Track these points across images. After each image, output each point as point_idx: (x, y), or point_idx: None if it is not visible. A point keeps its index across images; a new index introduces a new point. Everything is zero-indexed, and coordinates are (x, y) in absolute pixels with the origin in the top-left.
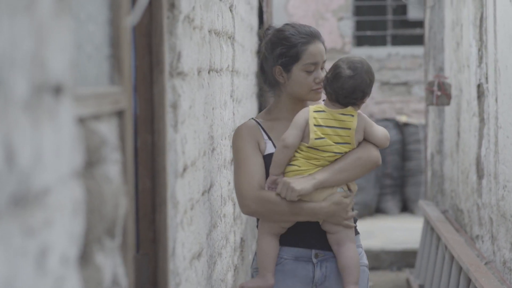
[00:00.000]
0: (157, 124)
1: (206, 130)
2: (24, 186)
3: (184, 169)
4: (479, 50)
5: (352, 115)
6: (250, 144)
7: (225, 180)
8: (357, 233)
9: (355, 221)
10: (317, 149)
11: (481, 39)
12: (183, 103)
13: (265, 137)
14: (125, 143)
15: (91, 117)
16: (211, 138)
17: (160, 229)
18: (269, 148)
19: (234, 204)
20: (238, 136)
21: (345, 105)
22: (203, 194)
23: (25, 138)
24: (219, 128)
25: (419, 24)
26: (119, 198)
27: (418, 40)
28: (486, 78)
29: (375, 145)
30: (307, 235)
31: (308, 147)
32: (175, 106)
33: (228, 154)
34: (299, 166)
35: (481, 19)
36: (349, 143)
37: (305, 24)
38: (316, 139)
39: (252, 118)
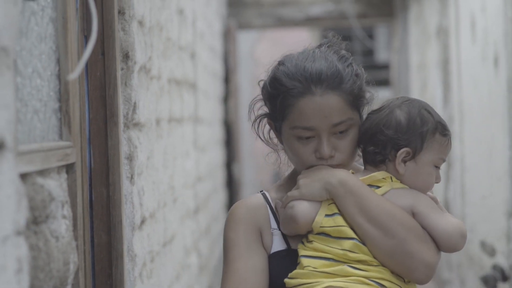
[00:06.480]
0: (112, 176)
1: (166, 181)
2: None
3: (142, 221)
4: (444, 91)
5: (380, 184)
6: (247, 235)
7: (188, 231)
8: None
9: None
10: (329, 236)
11: (445, 80)
12: (140, 155)
13: (273, 224)
14: (76, 198)
15: (37, 173)
16: (171, 188)
17: (117, 283)
18: (277, 244)
19: (199, 255)
20: (231, 221)
21: (374, 162)
22: (164, 245)
23: None
24: (181, 178)
25: (387, 66)
26: (68, 254)
27: (386, 83)
28: (451, 120)
29: (437, 244)
30: None
31: (317, 233)
32: (131, 158)
33: (191, 203)
34: (300, 278)
35: (445, 61)
36: None
37: (320, 55)
38: (327, 215)
39: (261, 192)
